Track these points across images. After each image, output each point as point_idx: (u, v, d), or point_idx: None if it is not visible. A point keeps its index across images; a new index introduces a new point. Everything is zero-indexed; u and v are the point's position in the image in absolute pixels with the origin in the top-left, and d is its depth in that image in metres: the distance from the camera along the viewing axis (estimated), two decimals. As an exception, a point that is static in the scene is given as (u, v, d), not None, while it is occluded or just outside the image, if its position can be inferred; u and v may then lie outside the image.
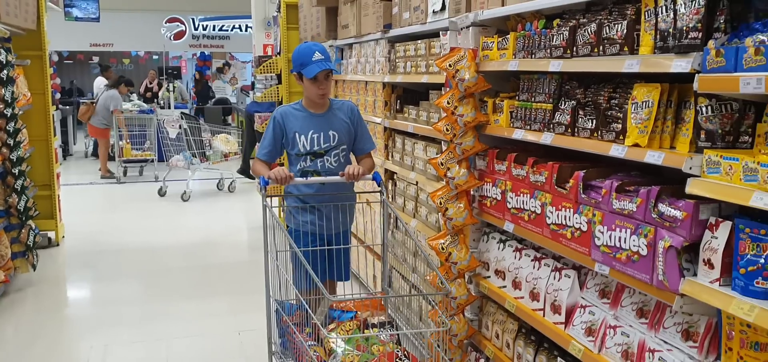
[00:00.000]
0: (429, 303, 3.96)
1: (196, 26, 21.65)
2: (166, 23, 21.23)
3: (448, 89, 3.45)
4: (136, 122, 12.04)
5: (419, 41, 4.23)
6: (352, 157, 3.93)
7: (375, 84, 5.06)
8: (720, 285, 2.01)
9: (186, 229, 8.31)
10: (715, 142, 2.08)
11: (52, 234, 7.35)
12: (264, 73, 8.20)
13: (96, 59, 23.35)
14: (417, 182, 4.36)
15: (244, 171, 11.71)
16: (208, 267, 6.77)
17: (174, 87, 14.85)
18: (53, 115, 7.43)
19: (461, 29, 3.45)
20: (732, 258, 1.98)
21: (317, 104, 3.72)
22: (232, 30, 21.93)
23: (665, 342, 2.29)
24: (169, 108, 13.50)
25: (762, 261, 1.88)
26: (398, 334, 3.25)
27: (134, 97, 14.48)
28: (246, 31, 20.86)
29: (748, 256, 1.91)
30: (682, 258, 2.13)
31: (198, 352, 4.62)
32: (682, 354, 2.21)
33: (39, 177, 7.03)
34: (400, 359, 3.01)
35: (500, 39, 3.17)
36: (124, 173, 11.93)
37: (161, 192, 10.25)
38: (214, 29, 21.82)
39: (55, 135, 7.47)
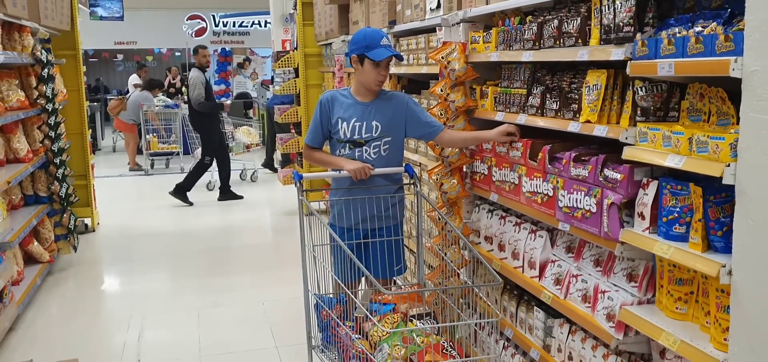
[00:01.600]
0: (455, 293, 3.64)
1: (217, 23, 22.20)
2: (187, 20, 21.79)
3: (441, 78, 3.91)
4: (162, 117, 12.63)
5: (420, 36, 4.69)
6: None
7: (382, 75, 5.52)
8: (649, 233, 2.47)
9: (211, 216, 8.86)
10: (649, 117, 2.53)
11: (88, 221, 7.92)
12: (282, 67, 8.69)
13: (120, 57, 24.04)
14: (420, 163, 4.82)
15: (268, 164, 12.29)
16: (233, 248, 7.31)
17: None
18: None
19: (452, 25, 3.90)
20: (658, 210, 2.43)
21: (367, 92, 3.64)
22: (251, 26, 22.42)
23: (614, 285, 2.75)
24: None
25: (678, 210, 2.34)
26: (439, 326, 3.17)
27: (160, 95, 15.09)
28: (265, 26, 21.33)
29: (669, 207, 2.36)
30: (623, 212, 2.59)
31: (227, 319, 5.14)
32: (626, 292, 2.67)
33: (75, 168, 7.57)
34: (447, 350, 2.99)
35: (485, 33, 3.63)
36: (152, 165, 12.54)
37: (187, 183, 10.83)
38: (234, 25, 22.34)
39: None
